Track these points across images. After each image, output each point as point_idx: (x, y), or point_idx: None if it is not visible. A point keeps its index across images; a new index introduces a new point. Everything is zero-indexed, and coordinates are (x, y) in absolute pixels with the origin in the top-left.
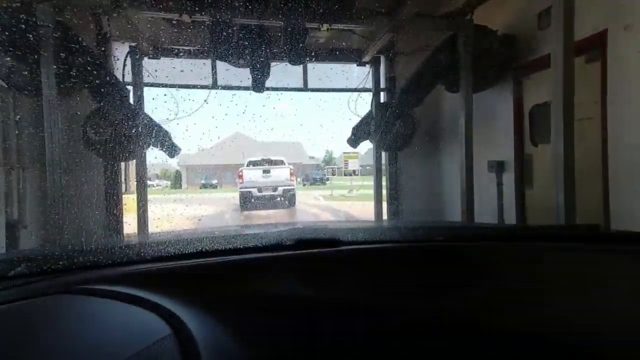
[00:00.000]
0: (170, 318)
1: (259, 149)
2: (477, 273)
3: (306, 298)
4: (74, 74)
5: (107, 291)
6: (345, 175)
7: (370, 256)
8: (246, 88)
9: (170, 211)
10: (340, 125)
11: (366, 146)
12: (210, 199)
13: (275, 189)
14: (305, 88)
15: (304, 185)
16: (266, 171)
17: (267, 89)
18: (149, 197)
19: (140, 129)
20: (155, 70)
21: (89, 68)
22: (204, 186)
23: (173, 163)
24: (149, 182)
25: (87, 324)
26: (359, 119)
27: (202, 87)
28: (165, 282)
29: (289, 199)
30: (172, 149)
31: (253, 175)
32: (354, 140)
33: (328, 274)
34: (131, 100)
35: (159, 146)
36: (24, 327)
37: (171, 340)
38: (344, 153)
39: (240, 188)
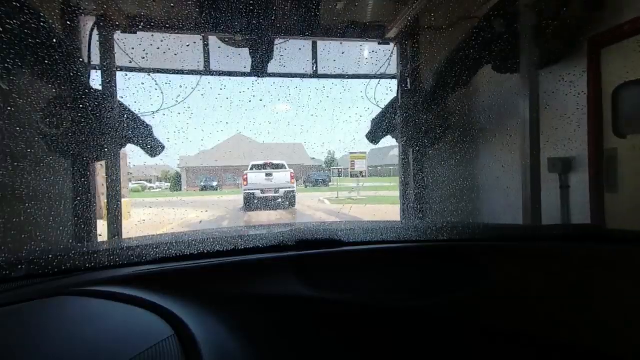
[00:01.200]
0: (172, 319)
1: (260, 150)
2: (478, 273)
3: (307, 298)
4: (16, 49)
5: (109, 293)
6: (352, 176)
7: (370, 256)
8: (245, 74)
9: (160, 216)
10: (344, 123)
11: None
12: (208, 202)
13: (277, 191)
14: (315, 74)
15: (306, 187)
16: (268, 174)
17: (270, 74)
18: (147, 200)
19: (112, 121)
20: (133, 49)
21: (38, 42)
22: (204, 188)
23: (173, 165)
24: (148, 185)
25: (90, 325)
26: (380, 109)
27: (191, 72)
28: (167, 283)
29: (290, 200)
30: (153, 147)
31: (257, 178)
32: (374, 135)
33: (329, 274)
34: (99, 86)
35: (137, 143)
36: (26, 329)
37: (173, 341)
38: (350, 153)
39: (245, 190)
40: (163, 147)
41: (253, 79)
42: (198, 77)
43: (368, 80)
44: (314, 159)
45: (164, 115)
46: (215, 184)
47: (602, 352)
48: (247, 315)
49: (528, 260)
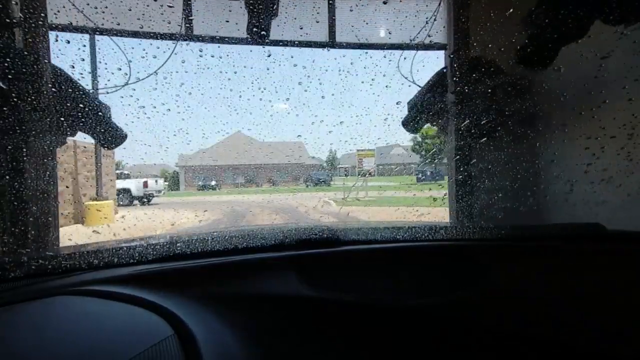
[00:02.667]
0: (172, 319)
1: (261, 149)
2: (478, 272)
3: (308, 298)
4: None
5: (109, 292)
6: (359, 175)
7: (371, 256)
8: (239, 40)
9: (155, 219)
10: (344, 123)
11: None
12: (207, 203)
13: (158, 192)
14: (331, 42)
15: (307, 186)
16: (152, 181)
17: (271, 42)
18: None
19: (43, 97)
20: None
21: None
22: (203, 188)
23: (172, 164)
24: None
25: (89, 325)
26: (420, 89)
27: (165, 35)
28: (167, 283)
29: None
30: (108, 135)
31: (151, 183)
32: (412, 122)
33: (329, 273)
34: (20, 43)
35: (86, 130)
36: (26, 329)
37: (173, 341)
38: (358, 151)
39: (145, 191)
40: (123, 136)
41: (253, 78)
42: (175, 41)
43: (401, 51)
44: (314, 157)
45: (163, 114)
46: (214, 183)
47: (602, 352)
48: (247, 315)
49: (528, 260)
